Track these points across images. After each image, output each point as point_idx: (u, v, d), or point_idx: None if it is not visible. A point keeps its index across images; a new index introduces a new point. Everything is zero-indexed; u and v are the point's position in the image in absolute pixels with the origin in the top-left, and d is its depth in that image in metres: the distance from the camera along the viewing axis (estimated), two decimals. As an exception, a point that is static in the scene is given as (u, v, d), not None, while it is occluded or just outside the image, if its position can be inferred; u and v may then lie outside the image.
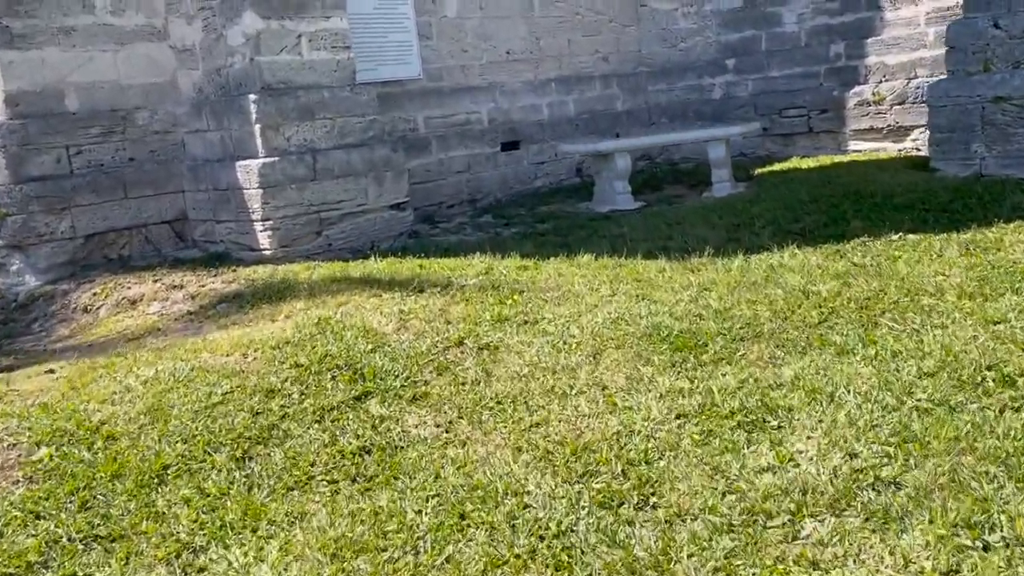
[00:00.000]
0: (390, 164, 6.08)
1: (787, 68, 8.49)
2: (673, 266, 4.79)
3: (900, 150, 7.66)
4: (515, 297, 4.32)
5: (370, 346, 3.66)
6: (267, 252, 5.54)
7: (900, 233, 4.92)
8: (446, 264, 5.16)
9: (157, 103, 6.16)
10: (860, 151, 7.93)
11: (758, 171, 7.85)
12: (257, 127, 5.48)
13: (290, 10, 5.67)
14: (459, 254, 5.56)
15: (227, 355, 3.65)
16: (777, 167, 7.90)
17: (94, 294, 5.27)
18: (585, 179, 8.80)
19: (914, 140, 7.56)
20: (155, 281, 5.32)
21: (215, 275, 5.36)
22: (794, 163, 7.97)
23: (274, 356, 3.55)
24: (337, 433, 3.07)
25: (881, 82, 7.78)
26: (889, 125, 7.71)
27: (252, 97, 5.47)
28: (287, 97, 5.59)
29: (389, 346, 3.67)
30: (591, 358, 3.46)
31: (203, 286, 5.15)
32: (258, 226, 5.53)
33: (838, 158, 7.84)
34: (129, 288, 5.27)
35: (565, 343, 3.63)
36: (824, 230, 5.27)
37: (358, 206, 5.90)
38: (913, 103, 7.50)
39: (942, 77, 6.56)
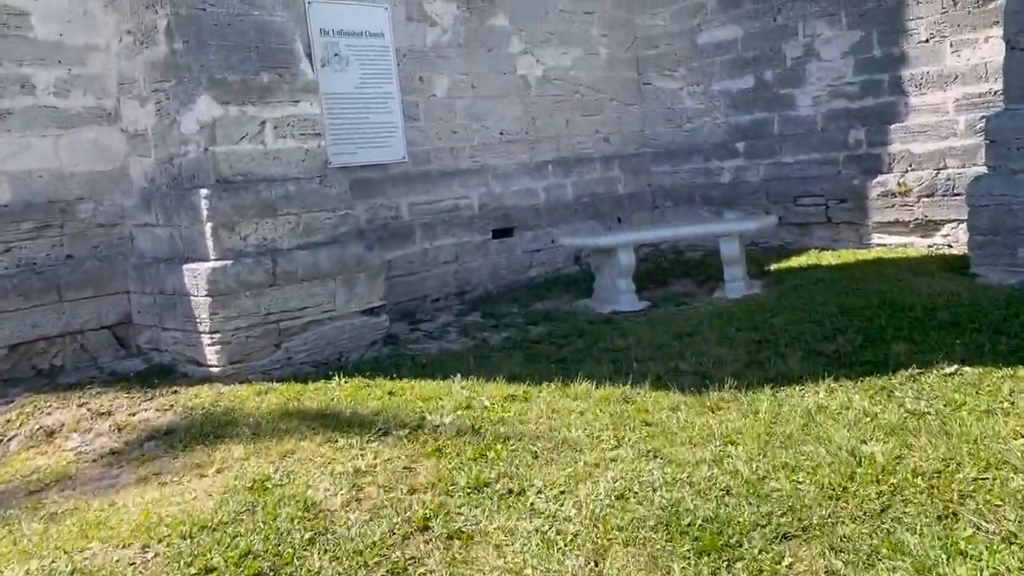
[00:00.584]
0: (363, 264, 5.36)
1: (802, 153, 7.88)
2: (688, 402, 4.02)
3: (930, 246, 6.98)
4: (498, 448, 3.54)
5: (308, 534, 2.86)
6: (215, 369, 4.78)
7: (954, 365, 4.18)
8: (421, 391, 4.40)
9: (103, 193, 5.48)
10: (885, 246, 7.25)
11: (773, 266, 7.16)
12: (208, 226, 4.78)
13: (252, 95, 5.03)
14: (438, 371, 4.81)
15: (125, 545, 2.86)
16: (794, 262, 7.21)
17: (8, 420, 4.48)
18: (584, 268, 8.11)
19: (945, 236, 6.88)
20: (81, 405, 4.55)
21: (151, 398, 4.59)
22: (813, 258, 7.28)
23: (181, 554, 2.75)
24: None
25: (907, 172, 7.15)
26: (917, 219, 7.05)
27: (203, 192, 4.78)
28: (245, 191, 4.90)
29: (333, 533, 2.88)
30: (591, 560, 2.67)
31: (134, 414, 4.38)
32: (206, 339, 4.78)
33: (861, 254, 7.16)
34: (50, 414, 4.50)
35: (558, 532, 2.84)
36: (861, 353, 4.52)
37: (324, 312, 5.16)
38: (943, 196, 6.85)
39: (982, 173, 5.91)
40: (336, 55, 6.64)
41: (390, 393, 4.38)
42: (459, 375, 4.63)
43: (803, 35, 7.76)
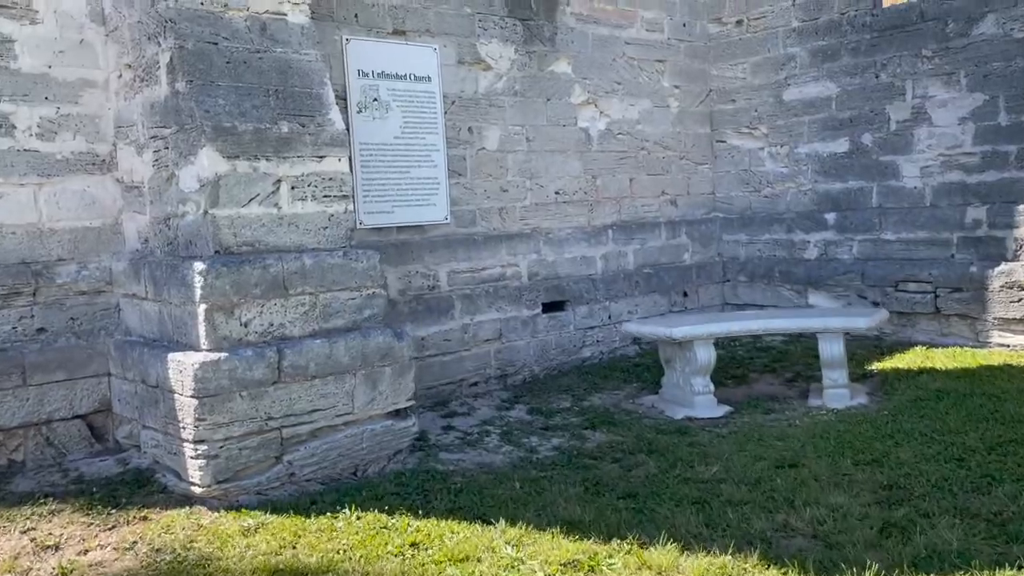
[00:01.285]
0: (391, 355, 4.40)
1: (906, 231, 6.80)
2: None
3: (1069, 352, 5.83)
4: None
5: None
6: (197, 489, 3.82)
7: None
8: (453, 544, 3.37)
9: (89, 254, 4.61)
10: (1008, 347, 6.11)
11: (876, 365, 6.04)
12: (201, 308, 3.85)
13: (267, 147, 4.13)
14: (476, 503, 3.79)
15: None
16: (901, 362, 6.09)
17: (-68, 546, 3.56)
18: (645, 349, 7.07)
19: (1089, 341, 5.73)
20: (26, 531, 3.61)
21: (112, 526, 3.63)
22: (921, 357, 6.16)
23: None
24: None
25: (1039, 261, 6.04)
26: (1051, 318, 5.91)
27: (198, 266, 3.87)
28: (251, 265, 3.97)
29: None
30: None
31: (86, 552, 3.41)
32: (189, 449, 3.82)
33: (982, 356, 6.01)
34: (-16, 540, 3.56)
35: None
36: (1035, 521, 3.41)
37: (339, 416, 4.19)
38: (1087, 292, 5.73)
39: None
40: (375, 100, 5.77)
41: (412, 545, 3.36)
42: (503, 518, 3.60)
43: (912, 95, 6.72)
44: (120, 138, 4.61)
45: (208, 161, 3.93)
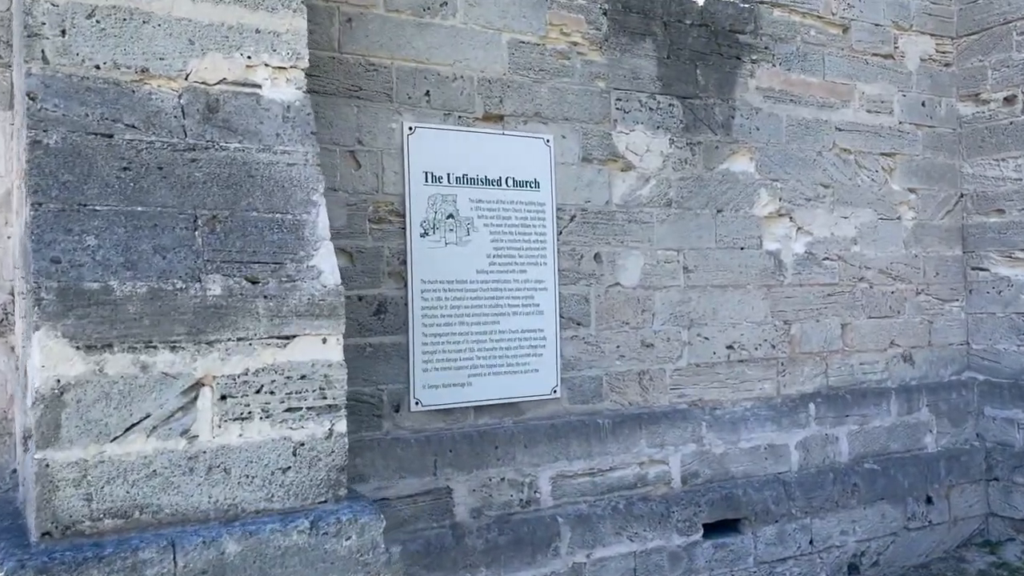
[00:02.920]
0: None
1: None
2: None
3: None
4: None
5: None
6: None
7: None
8: None
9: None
10: None
11: None
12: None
13: (175, 326, 2.21)
14: None
15: None
16: None
17: None
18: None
19: None
20: None
21: None
22: None
23: None
24: None
25: None
26: None
27: (-9, 569, 1.97)
28: (118, 558, 2.02)
29: None
30: None
31: None
32: None
33: None
34: None
35: None
36: None
37: None
38: None
39: None
40: (450, 217, 3.82)
41: None
42: None
43: None
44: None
45: (44, 356, 2.06)
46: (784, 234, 4.89)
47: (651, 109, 4.46)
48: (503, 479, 3.85)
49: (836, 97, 5.16)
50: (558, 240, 4.13)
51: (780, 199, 4.87)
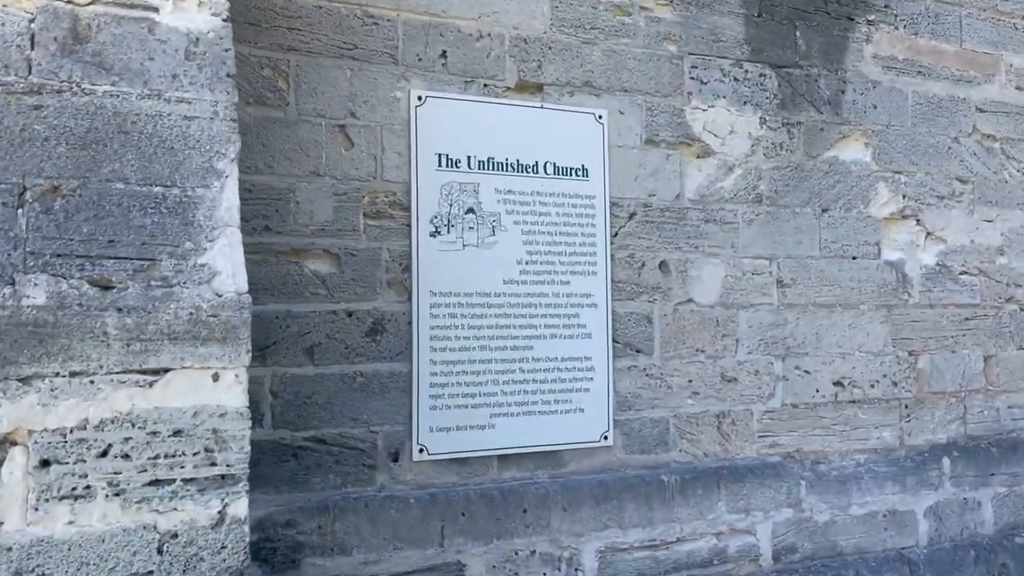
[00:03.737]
0: None
1: None
2: None
3: None
4: None
5: None
6: None
7: None
8: None
9: None
10: None
11: None
12: None
13: None
14: None
15: None
16: None
17: None
18: None
19: None
20: None
21: None
22: None
23: None
24: None
25: None
26: None
27: None
28: None
29: None
30: None
31: None
32: None
33: None
34: None
35: None
36: None
37: None
38: None
39: None
40: (470, 212, 2.99)
41: None
42: None
43: None
44: None
45: None
46: (909, 241, 3.84)
47: (736, 80, 3.51)
48: (534, 552, 2.96)
49: (977, 70, 4.08)
50: (612, 243, 3.23)
51: (904, 196, 3.83)
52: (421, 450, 2.87)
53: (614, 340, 3.20)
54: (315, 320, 2.77)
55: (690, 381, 3.35)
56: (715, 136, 3.46)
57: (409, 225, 2.90)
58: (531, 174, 3.10)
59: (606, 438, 3.16)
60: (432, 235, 2.92)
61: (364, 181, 2.86)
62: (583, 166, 3.19)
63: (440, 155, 2.96)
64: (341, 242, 2.82)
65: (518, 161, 3.08)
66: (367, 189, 2.86)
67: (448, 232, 2.95)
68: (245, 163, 2.68)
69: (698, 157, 3.43)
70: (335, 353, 2.78)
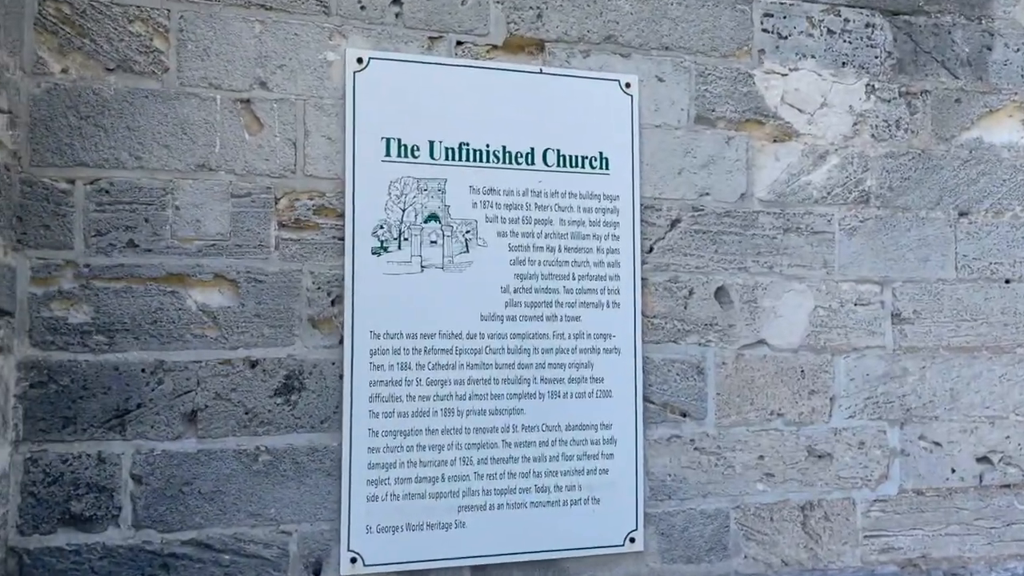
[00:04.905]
0: None
1: None
2: None
3: None
4: None
5: None
6: None
7: None
8: None
9: None
10: None
11: None
12: None
13: None
14: None
15: None
16: None
17: None
18: None
19: None
20: None
21: None
22: None
23: None
24: None
25: None
26: None
27: None
28: None
29: None
30: None
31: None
32: None
33: None
34: None
35: None
36: None
37: None
38: None
39: None
40: (433, 219, 2.11)
41: None
42: None
43: None
44: None
45: None
46: (1091, 256, 2.69)
47: (831, 32, 2.50)
48: None
49: None
50: (644, 263, 2.28)
51: (1083, 192, 2.69)
52: (354, 560, 2.01)
53: (647, 399, 2.25)
54: (200, 373, 1.96)
55: (761, 458, 2.35)
56: (800, 111, 2.46)
57: (343, 239, 2.05)
58: (524, 166, 2.20)
59: (633, 540, 2.21)
60: (375, 252, 2.07)
61: (278, 177, 2.04)
62: (601, 154, 2.26)
63: (389, 140, 2.10)
64: (242, 263, 2.00)
65: (504, 148, 2.19)
66: (282, 188, 2.04)
67: (399, 248, 2.09)
68: (101, 153, 1.92)
69: (774, 141, 2.44)
70: (229, 420, 1.97)
